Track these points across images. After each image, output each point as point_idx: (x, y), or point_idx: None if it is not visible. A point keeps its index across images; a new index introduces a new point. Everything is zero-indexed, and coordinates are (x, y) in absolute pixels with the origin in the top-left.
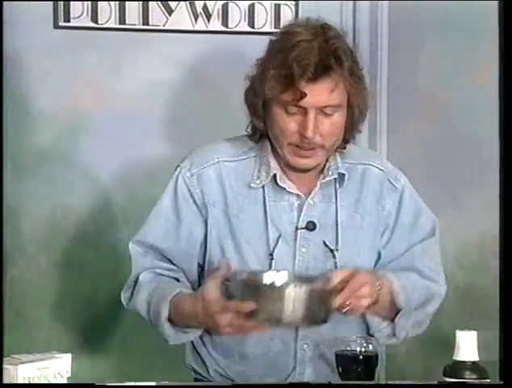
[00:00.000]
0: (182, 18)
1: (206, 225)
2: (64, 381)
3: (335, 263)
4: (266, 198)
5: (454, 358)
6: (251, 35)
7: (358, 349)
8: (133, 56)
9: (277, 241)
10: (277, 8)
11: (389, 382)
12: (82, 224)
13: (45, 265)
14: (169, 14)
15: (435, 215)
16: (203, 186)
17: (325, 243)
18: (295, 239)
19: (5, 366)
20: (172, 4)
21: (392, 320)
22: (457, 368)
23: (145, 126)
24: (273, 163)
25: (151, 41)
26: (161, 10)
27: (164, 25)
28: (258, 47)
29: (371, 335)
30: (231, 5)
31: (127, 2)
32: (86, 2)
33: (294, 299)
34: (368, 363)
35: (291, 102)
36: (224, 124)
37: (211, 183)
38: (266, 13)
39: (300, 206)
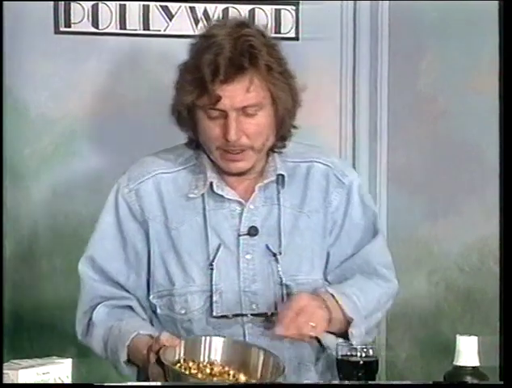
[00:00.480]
0: (182, 23)
1: (148, 240)
2: None
3: (278, 268)
4: (206, 207)
5: (454, 363)
6: None
7: (359, 354)
8: (134, 61)
9: (217, 250)
10: (277, 13)
11: (388, 383)
12: (83, 229)
13: (46, 270)
14: (170, 19)
15: (436, 220)
16: (141, 201)
17: (267, 247)
18: (238, 246)
19: (5, 371)
20: (173, 9)
21: (346, 336)
22: (457, 373)
23: (146, 131)
24: (209, 171)
25: (152, 46)
26: (162, 15)
27: (165, 30)
28: None
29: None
30: (231, 10)
31: (127, 8)
32: (86, 8)
33: None
34: (369, 368)
35: (208, 106)
36: None
37: (149, 197)
38: (267, 18)
39: (241, 212)
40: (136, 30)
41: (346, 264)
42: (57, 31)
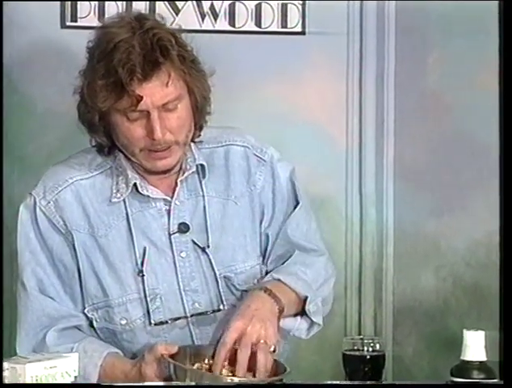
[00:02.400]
0: (188, 17)
1: (75, 252)
2: (71, 380)
3: (209, 260)
4: (129, 210)
5: (461, 358)
6: (258, 34)
7: (366, 349)
8: None
9: (143, 254)
10: (284, 7)
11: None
12: None
13: None
14: (176, 14)
15: (443, 215)
16: (62, 212)
17: (194, 242)
18: (171, 246)
19: (12, 365)
20: (179, 4)
21: (303, 312)
22: (465, 368)
23: None
24: (130, 172)
25: None
26: (168, 9)
27: (171, 25)
28: (265, 46)
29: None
30: (238, 4)
31: (134, 2)
32: (93, 3)
33: None
34: (375, 363)
35: (129, 108)
36: (229, 122)
37: (70, 207)
38: (273, 12)
39: (168, 210)
40: None
41: (276, 244)
42: (64, 26)
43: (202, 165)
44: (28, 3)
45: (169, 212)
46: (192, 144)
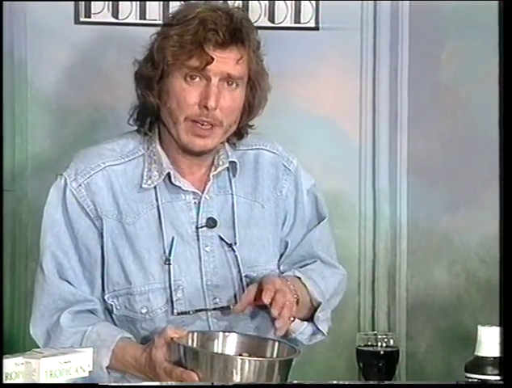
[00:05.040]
0: None
1: (102, 237)
2: (85, 374)
3: (236, 257)
4: (159, 199)
5: (476, 354)
6: (271, 30)
7: (379, 344)
8: None
9: (171, 244)
10: (297, 2)
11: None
12: None
13: None
14: None
15: (456, 211)
16: (93, 196)
17: (221, 238)
18: (198, 239)
19: (27, 360)
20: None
21: (311, 318)
22: (479, 363)
23: None
24: (165, 161)
25: None
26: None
27: None
28: (279, 42)
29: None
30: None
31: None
32: None
33: (242, 373)
34: (389, 358)
35: (196, 68)
36: None
37: (101, 192)
38: (287, 8)
39: (198, 203)
40: (156, 20)
41: (295, 252)
42: (77, 22)
43: (234, 162)
44: None
45: (198, 205)
46: (226, 143)
